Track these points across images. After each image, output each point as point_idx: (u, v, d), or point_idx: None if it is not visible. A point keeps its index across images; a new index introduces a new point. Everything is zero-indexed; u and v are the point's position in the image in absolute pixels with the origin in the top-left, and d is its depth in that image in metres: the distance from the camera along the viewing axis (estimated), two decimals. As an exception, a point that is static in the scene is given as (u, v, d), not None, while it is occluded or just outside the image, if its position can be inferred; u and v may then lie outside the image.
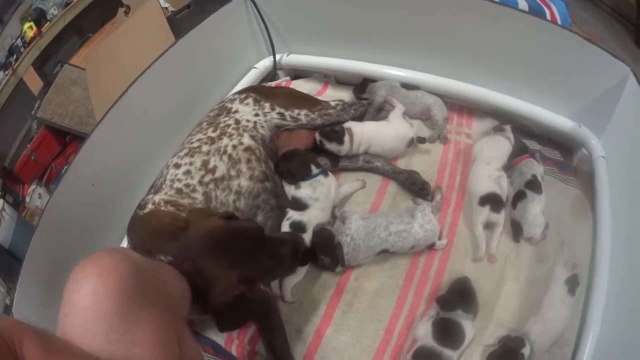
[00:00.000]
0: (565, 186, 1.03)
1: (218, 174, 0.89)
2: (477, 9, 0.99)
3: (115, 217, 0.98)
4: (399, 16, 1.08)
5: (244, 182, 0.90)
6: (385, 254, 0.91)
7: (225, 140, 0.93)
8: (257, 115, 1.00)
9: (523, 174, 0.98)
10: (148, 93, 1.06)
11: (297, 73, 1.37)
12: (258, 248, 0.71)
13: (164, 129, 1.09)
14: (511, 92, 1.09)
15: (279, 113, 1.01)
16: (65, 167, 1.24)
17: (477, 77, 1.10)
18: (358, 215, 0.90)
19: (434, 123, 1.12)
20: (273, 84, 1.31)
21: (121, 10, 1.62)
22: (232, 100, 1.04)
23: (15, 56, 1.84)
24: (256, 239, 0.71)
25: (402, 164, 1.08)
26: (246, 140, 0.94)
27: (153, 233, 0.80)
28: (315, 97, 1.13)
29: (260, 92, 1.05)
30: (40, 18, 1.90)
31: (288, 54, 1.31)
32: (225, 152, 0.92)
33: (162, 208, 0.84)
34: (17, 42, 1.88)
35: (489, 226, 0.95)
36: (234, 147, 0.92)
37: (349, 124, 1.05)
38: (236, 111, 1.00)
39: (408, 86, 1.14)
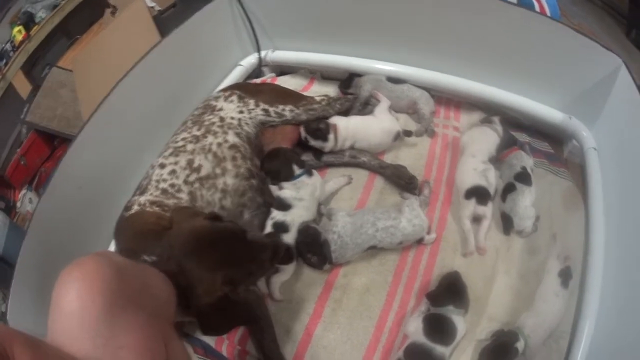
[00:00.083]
0: (555, 178, 1.02)
1: (203, 172, 0.88)
2: (463, 1, 0.98)
3: (106, 219, 0.97)
4: (384, 10, 1.07)
5: (230, 180, 0.89)
6: (374, 249, 0.90)
7: (210, 139, 0.92)
8: (241, 112, 0.99)
9: (512, 166, 0.97)
10: (133, 93, 1.05)
11: (283, 69, 1.36)
12: (242, 250, 0.70)
13: (151, 128, 1.08)
14: (500, 84, 1.08)
15: (263, 109, 1.00)
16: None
17: (465, 70, 1.09)
18: (344, 212, 0.89)
19: (420, 117, 1.11)
20: (258, 80, 1.30)
21: (108, 10, 1.61)
22: (216, 98, 1.03)
23: (4, 61, 1.83)
24: (240, 241, 0.71)
25: (389, 158, 1.07)
26: (231, 137, 0.93)
27: (138, 234, 0.80)
28: (300, 92, 1.13)
29: (244, 89, 1.04)
30: (28, 22, 1.89)
31: (273, 51, 1.30)
32: (210, 150, 0.91)
33: (148, 209, 0.83)
34: (7, 46, 1.87)
35: (476, 219, 0.94)
36: (219, 145, 0.91)
37: (334, 120, 1.04)
38: (221, 109, 0.99)
39: (394, 80, 1.13)
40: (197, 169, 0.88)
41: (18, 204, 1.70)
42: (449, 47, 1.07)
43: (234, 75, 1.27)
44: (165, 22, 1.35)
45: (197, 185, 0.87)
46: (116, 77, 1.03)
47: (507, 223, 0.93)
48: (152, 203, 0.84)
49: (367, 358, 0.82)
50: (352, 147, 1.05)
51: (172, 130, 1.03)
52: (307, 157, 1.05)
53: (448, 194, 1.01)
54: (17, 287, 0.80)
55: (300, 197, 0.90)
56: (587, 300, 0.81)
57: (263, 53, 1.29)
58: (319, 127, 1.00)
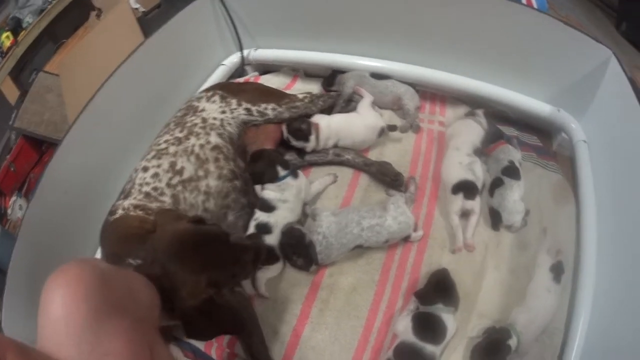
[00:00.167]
0: (545, 171, 1.01)
1: (186, 175, 0.87)
2: (448, -6, 0.97)
3: (94, 222, 0.96)
4: (367, 5, 1.06)
5: (213, 182, 0.88)
6: (360, 249, 0.89)
7: (193, 140, 0.91)
8: (224, 112, 0.98)
9: (499, 160, 0.96)
10: (117, 95, 1.05)
11: (266, 68, 1.35)
12: (225, 253, 0.69)
13: (136, 130, 1.07)
14: (486, 77, 1.07)
15: (245, 109, 0.99)
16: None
17: (450, 64, 1.08)
18: (329, 212, 0.88)
19: (405, 112, 1.09)
20: (241, 80, 1.29)
21: (93, 13, 1.60)
22: (199, 99, 1.02)
23: (-7, 67, 1.82)
24: (223, 244, 0.70)
25: (373, 155, 1.06)
26: (213, 138, 0.92)
27: (122, 238, 0.80)
28: (283, 90, 1.11)
29: (227, 88, 1.03)
30: (16, 27, 1.88)
31: (255, 49, 1.29)
32: (192, 152, 0.90)
33: (132, 213, 0.83)
34: (-5, 52, 1.85)
35: (464, 214, 0.93)
36: (201, 146, 0.90)
37: (315, 119, 1.03)
38: (203, 109, 0.98)
39: (378, 76, 1.12)
40: (180, 172, 0.87)
41: (9, 211, 1.69)
42: (434, 41, 1.06)
43: (217, 75, 1.26)
44: (149, 23, 1.34)
45: (180, 188, 0.86)
46: (102, 80, 1.03)
47: (495, 218, 0.92)
48: (136, 207, 0.84)
49: (356, 358, 0.81)
50: (336, 145, 1.04)
51: (157, 131, 1.02)
52: (290, 156, 1.04)
53: (434, 190, 1.00)
54: (10, 294, 0.80)
55: (284, 198, 0.89)
56: (580, 294, 0.80)
57: (245, 52, 1.28)
58: (300, 128, 0.98)
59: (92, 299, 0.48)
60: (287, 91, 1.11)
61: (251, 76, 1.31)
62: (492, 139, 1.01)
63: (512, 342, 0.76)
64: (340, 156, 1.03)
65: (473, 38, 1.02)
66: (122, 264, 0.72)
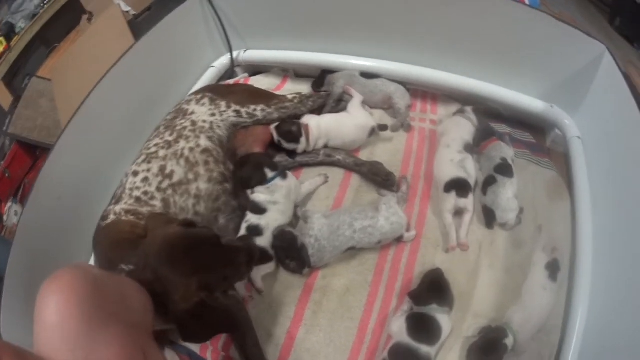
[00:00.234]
0: (539, 168, 1.00)
1: (176, 178, 0.87)
2: (437, -8, 0.96)
3: (88, 227, 0.96)
4: (356, 4, 1.05)
5: (203, 185, 0.88)
6: (352, 250, 0.88)
7: (182, 143, 0.91)
8: (213, 115, 0.97)
9: (492, 158, 0.95)
10: (108, 100, 1.04)
11: (256, 69, 1.34)
12: (216, 255, 0.69)
13: (127, 135, 1.07)
14: (478, 75, 1.06)
15: (235, 111, 0.99)
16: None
17: (441, 62, 1.07)
18: (320, 214, 0.87)
19: (396, 111, 1.09)
20: (231, 81, 1.29)
21: (84, 17, 1.59)
22: (188, 102, 1.01)
23: (-13, 73, 1.81)
24: (214, 247, 0.70)
25: (364, 155, 1.05)
26: (203, 141, 0.92)
27: (114, 243, 0.80)
28: (273, 92, 1.11)
29: (216, 91, 1.03)
30: (9, 32, 1.88)
31: (245, 51, 1.28)
32: (182, 155, 0.89)
33: (123, 218, 0.83)
34: (-11, 58, 1.84)
35: (458, 213, 0.92)
36: (191, 149, 0.90)
37: (305, 119, 1.02)
38: (192, 112, 0.97)
39: (368, 75, 1.11)
40: (170, 175, 0.87)
41: (5, 217, 1.69)
42: (425, 39, 1.05)
43: (207, 77, 1.25)
44: (140, 26, 1.34)
45: (170, 191, 0.86)
46: (93, 84, 1.02)
47: (489, 216, 0.91)
48: (127, 212, 0.84)
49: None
50: (326, 146, 1.03)
51: (148, 135, 1.01)
52: (281, 157, 1.03)
53: (427, 189, 0.99)
54: (8, 298, 0.81)
55: (274, 200, 0.88)
56: (577, 292, 0.80)
57: (235, 53, 1.27)
58: (291, 130, 0.98)
59: (85, 305, 0.48)
60: (277, 92, 1.11)
61: (241, 78, 1.30)
62: (484, 137, 1.00)
63: (509, 341, 0.76)
64: (331, 157, 1.03)
65: (464, 35, 1.01)
66: (115, 269, 0.72)
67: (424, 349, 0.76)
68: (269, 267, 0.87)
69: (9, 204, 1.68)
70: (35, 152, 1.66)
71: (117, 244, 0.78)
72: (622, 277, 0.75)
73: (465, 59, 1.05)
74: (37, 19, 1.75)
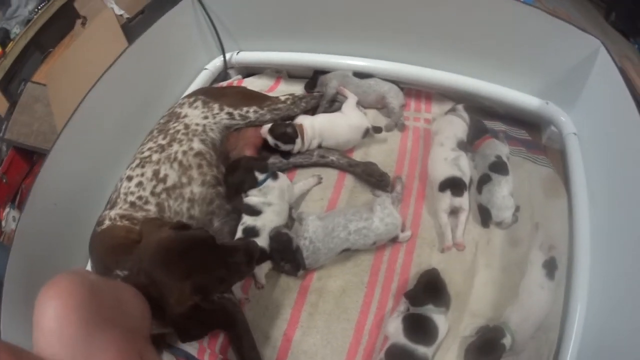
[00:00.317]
0: (535, 166, 0.99)
1: (169, 182, 0.87)
2: (429, -11, 0.96)
3: (85, 232, 0.96)
4: (347, 4, 1.05)
5: (197, 189, 0.88)
6: (348, 251, 0.88)
7: (175, 147, 0.91)
8: (206, 117, 0.97)
9: (486, 156, 0.95)
10: (102, 104, 1.04)
11: (249, 70, 1.34)
12: (210, 257, 0.69)
13: (122, 139, 1.07)
14: (472, 73, 1.06)
15: (227, 113, 0.98)
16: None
17: (434, 60, 1.07)
18: (315, 216, 0.87)
19: (390, 111, 1.08)
20: (225, 83, 1.29)
21: (78, 22, 1.59)
22: (181, 105, 1.01)
23: (-17, 80, 1.81)
24: (208, 248, 0.69)
25: (358, 155, 1.05)
26: (196, 145, 0.91)
27: (109, 249, 0.80)
28: (266, 93, 1.11)
29: (208, 93, 1.03)
30: (4, 38, 1.87)
31: (238, 52, 1.28)
32: (175, 159, 0.89)
33: (118, 223, 0.83)
34: (-16, 65, 1.84)
35: (453, 212, 0.91)
36: (184, 153, 0.90)
37: (299, 120, 1.02)
38: (185, 115, 0.97)
39: (361, 75, 1.10)
40: (164, 179, 0.87)
41: (3, 223, 1.69)
42: (417, 37, 1.04)
43: (200, 80, 1.25)
44: (133, 29, 1.33)
45: (164, 196, 0.86)
46: (88, 88, 1.02)
47: (484, 215, 0.90)
48: (122, 217, 0.84)
49: (348, 361, 0.80)
50: (320, 147, 1.03)
51: (142, 138, 1.01)
52: (275, 159, 1.03)
53: (422, 189, 0.98)
54: (7, 303, 0.81)
55: (269, 201, 0.88)
56: (575, 290, 0.79)
57: (228, 55, 1.27)
58: (286, 131, 0.98)
59: (82, 311, 0.49)
60: (271, 93, 1.11)
61: (234, 79, 1.30)
62: (477, 135, 1.00)
63: (506, 340, 0.75)
64: (324, 157, 1.02)
65: (458, 33, 1.00)
66: (111, 275, 0.72)
67: (420, 349, 0.75)
68: (270, 264, 0.87)
69: (7, 209, 1.68)
70: (31, 158, 1.66)
71: (112, 249, 0.78)
72: (620, 274, 0.74)
73: (459, 57, 1.05)
74: (32, 24, 1.74)
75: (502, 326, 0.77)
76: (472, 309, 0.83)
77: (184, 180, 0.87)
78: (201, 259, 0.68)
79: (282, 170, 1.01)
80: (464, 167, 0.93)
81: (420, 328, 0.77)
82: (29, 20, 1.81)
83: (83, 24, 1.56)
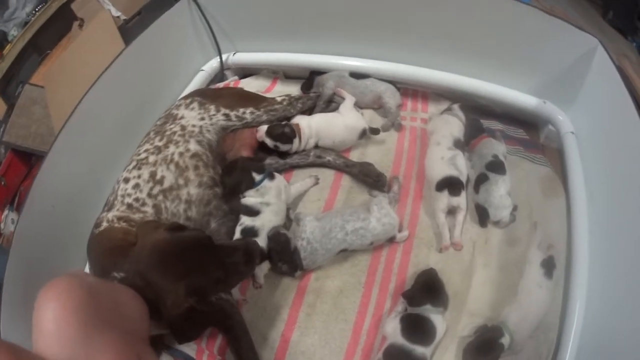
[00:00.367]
0: (532, 165, 0.99)
1: (166, 184, 0.87)
2: (426, -11, 0.96)
3: (84, 234, 0.96)
4: (343, 4, 1.05)
5: (193, 190, 0.88)
6: (345, 252, 0.88)
7: (172, 148, 0.91)
8: (202, 119, 0.97)
9: (483, 155, 0.94)
10: (100, 106, 1.04)
11: (246, 71, 1.34)
12: (207, 258, 0.68)
13: (119, 140, 1.07)
14: (469, 72, 1.06)
15: (224, 114, 0.98)
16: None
17: (431, 60, 1.06)
18: (312, 217, 0.87)
19: (386, 111, 1.08)
20: (221, 84, 1.28)
21: (76, 23, 1.58)
22: (177, 107, 1.01)
23: (-19, 83, 1.80)
24: (204, 249, 0.69)
25: (355, 155, 1.05)
26: (192, 146, 0.91)
27: (107, 251, 0.80)
28: (263, 94, 1.11)
29: (205, 95, 1.03)
30: (2, 41, 1.87)
31: (234, 53, 1.28)
32: (172, 160, 0.89)
33: (116, 225, 0.83)
34: (-17, 68, 1.84)
35: (451, 211, 0.91)
36: (181, 154, 0.90)
37: (296, 119, 1.02)
38: (182, 117, 0.97)
39: (357, 75, 1.10)
40: (160, 181, 0.87)
41: (2, 226, 1.68)
42: (414, 37, 1.04)
43: (197, 81, 1.25)
44: (130, 31, 1.33)
45: (161, 197, 0.86)
46: (86, 90, 1.02)
47: (482, 214, 0.90)
48: (120, 219, 0.84)
49: (346, 361, 0.80)
50: (316, 147, 1.03)
51: (140, 140, 1.01)
52: (272, 160, 1.03)
53: (419, 189, 0.98)
54: (7, 305, 0.81)
55: (266, 201, 0.88)
56: (574, 289, 0.79)
57: (224, 56, 1.27)
58: (284, 132, 0.97)
59: (81, 313, 0.50)
60: (267, 94, 1.11)
61: (231, 80, 1.30)
62: (474, 134, 0.99)
63: (505, 340, 0.75)
64: (321, 158, 1.02)
65: (455, 32, 1.00)
66: (108, 277, 0.72)
67: (418, 349, 0.75)
68: (269, 264, 0.87)
69: (6, 212, 1.67)
70: (30, 160, 1.65)
71: (110, 251, 0.78)
72: (619, 272, 0.74)
73: (456, 56, 1.04)
74: (29, 26, 1.74)
75: (501, 326, 0.77)
76: (470, 308, 0.83)
77: (181, 181, 0.87)
78: (197, 260, 0.67)
79: (279, 171, 1.01)
80: (461, 166, 0.93)
81: (418, 328, 0.77)
82: (26, 23, 1.81)
83: (80, 25, 1.56)
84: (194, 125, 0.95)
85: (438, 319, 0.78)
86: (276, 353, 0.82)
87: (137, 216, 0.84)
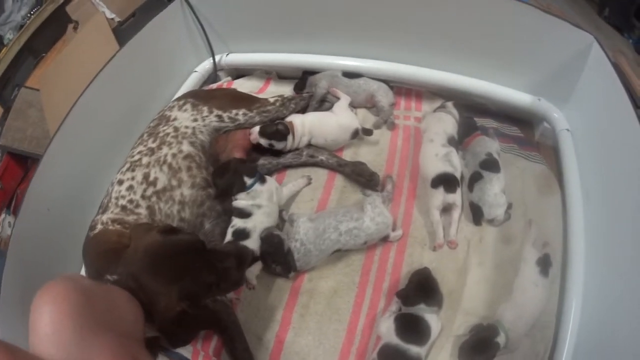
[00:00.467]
0: (527, 162, 0.99)
1: (159, 185, 0.87)
2: (418, -14, 0.95)
3: (79, 237, 0.97)
4: (335, 4, 1.05)
5: (187, 191, 0.88)
6: (339, 251, 0.88)
7: (165, 150, 0.90)
8: (195, 120, 0.97)
9: (476, 154, 0.94)
10: (94, 108, 1.04)
11: (239, 72, 1.34)
12: (198, 262, 0.68)
13: (114, 142, 1.07)
14: (463, 70, 1.05)
15: (217, 115, 0.98)
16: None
17: (425, 58, 1.06)
18: (306, 218, 0.87)
19: (379, 109, 1.08)
20: (214, 85, 1.28)
21: (70, 26, 1.59)
22: (170, 108, 1.01)
23: (-23, 86, 1.81)
24: (196, 253, 0.69)
25: (348, 155, 1.04)
26: (185, 147, 0.91)
27: (101, 253, 0.80)
28: (255, 95, 1.11)
29: (198, 96, 1.03)
30: (-1, 45, 1.88)
31: (227, 54, 1.28)
32: (165, 162, 0.89)
33: (110, 227, 0.83)
34: (-21, 72, 1.84)
35: (446, 209, 0.91)
36: (174, 155, 0.90)
37: (289, 117, 1.02)
38: (175, 118, 0.97)
39: (350, 75, 1.10)
40: (154, 183, 0.87)
41: (-1, 229, 1.69)
42: (407, 35, 1.04)
43: (190, 82, 1.25)
44: (125, 33, 1.33)
45: (154, 199, 0.86)
46: (80, 92, 1.02)
47: (476, 213, 0.90)
48: (114, 221, 0.84)
49: (341, 361, 0.80)
50: (309, 146, 1.03)
51: (134, 142, 1.01)
52: (265, 160, 1.03)
53: (412, 188, 0.98)
54: (5, 307, 0.82)
55: (258, 203, 0.87)
56: (570, 286, 0.79)
57: (217, 57, 1.27)
58: (277, 129, 0.97)
59: (77, 316, 0.50)
60: (261, 94, 1.11)
61: (224, 81, 1.30)
62: (467, 132, 0.99)
63: (500, 339, 0.75)
64: (314, 157, 1.02)
65: (449, 30, 1.00)
66: (102, 280, 0.72)
67: (413, 349, 0.75)
68: (261, 264, 0.87)
69: (3, 215, 1.67)
70: (26, 163, 1.65)
71: (104, 253, 0.78)
72: (616, 269, 0.74)
73: (450, 55, 1.04)
74: (25, 29, 1.75)
75: (496, 324, 0.76)
76: (465, 307, 0.82)
77: (174, 182, 0.87)
78: (189, 264, 0.67)
79: (272, 172, 1.01)
80: (455, 162, 0.92)
81: (412, 328, 0.77)
82: (22, 26, 1.81)
83: (75, 28, 1.56)
84: (186, 127, 0.95)
85: (433, 318, 0.78)
86: (271, 354, 0.82)
87: (131, 218, 0.84)
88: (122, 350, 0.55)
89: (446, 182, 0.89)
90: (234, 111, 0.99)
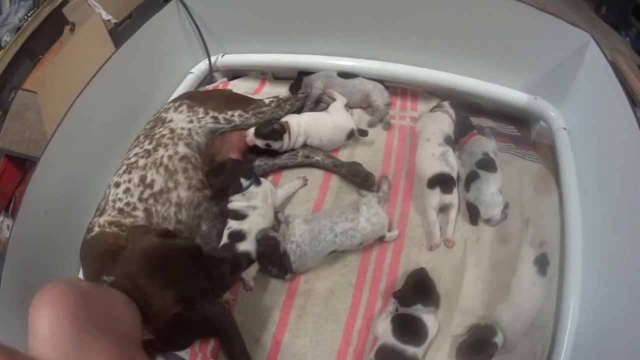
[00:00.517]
0: (524, 162, 0.99)
1: (156, 187, 0.87)
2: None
3: (77, 239, 0.97)
4: (331, 5, 1.04)
5: (183, 193, 0.88)
6: (335, 252, 0.88)
7: (161, 152, 0.90)
8: (191, 121, 0.97)
9: (473, 153, 0.94)
10: (90, 110, 1.04)
11: (235, 73, 1.34)
12: (194, 267, 0.68)
13: (110, 145, 1.07)
14: (459, 69, 1.05)
15: (212, 117, 0.98)
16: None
17: (420, 58, 1.06)
18: (301, 219, 0.87)
19: (375, 109, 1.08)
20: (210, 87, 1.28)
21: (67, 28, 1.58)
22: (166, 110, 1.01)
23: (-25, 89, 1.80)
24: (192, 258, 0.69)
25: (344, 155, 1.04)
26: (181, 149, 0.91)
27: (98, 256, 0.80)
28: (250, 96, 1.10)
29: (193, 97, 1.03)
30: (-4, 47, 1.87)
31: (223, 55, 1.28)
32: (161, 163, 0.89)
33: (107, 230, 0.84)
34: (-24, 74, 1.84)
35: (443, 209, 0.91)
36: (170, 157, 0.90)
37: (285, 117, 1.02)
38: (171, 120, 0.97)
39: (345, 75, 1.10)
40: (150, 185, 0.87)
41: (-2, 231, 1.69)
42: (402, 35, 1.04)
43: (186, 84, 1.25)
44: (121, 34, 1.33)
45: (151, 201, 0.86)
46: (77, 94, 1.02)
47: (473, 212, 0.90)
48: (111, 223, 0.84)
49: (338, 362, 0.80)
50: (304, 146, 1.03)
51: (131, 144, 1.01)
52: (260, 161, 1.03)
53: (408, 188, 0.98)
54: (3, 310, 0.82)
55: (253, 205, 0.88)
56: (568, 286, 0.79)
57: (213, 58, 1.27)
58: (274, 129, 0.97)
59: (75, 319, 0.51)
60: (256, 95, 1.11)
61: (220, 82, 1.29)
62: (463, 132, 0.99)
63: (498, 339, 0.75)
64: (309, 157, 1.02)
65: (444, 30, 1.00)
66: (99, 282, 0.73)
67: (410, 349, 0.75)
68: (257, 266, 0.87)
69: (1, 218, 1.67)
70: (24, 165, 1.65)
71: (101, 256, 0.78)
72: (614, 268, 0.74)
73: (445, 54, 1.04)
74: (22, 31, 1.74)
75: (494, 324, 0.76)
76: (462, 307, 0.82)
77: (171, 184, 0.87)
78: (185, 269, 0.67)
79: (268, 172, 1.01)
80: (452, 162, 0.92)
81: (409, 328, 0.77)
82: (19, 28, 1.81)
83: (72, 30, 1.56)
84: (182, 128, 0.95)
85: (430, 318, 0.78)
86: (268, 355, 0.82)
87: (128, 221, 0.84)
88: (120, 352, 0.55)
89: (443, 182, 0.89)
90: (230, 112, 0.99)
